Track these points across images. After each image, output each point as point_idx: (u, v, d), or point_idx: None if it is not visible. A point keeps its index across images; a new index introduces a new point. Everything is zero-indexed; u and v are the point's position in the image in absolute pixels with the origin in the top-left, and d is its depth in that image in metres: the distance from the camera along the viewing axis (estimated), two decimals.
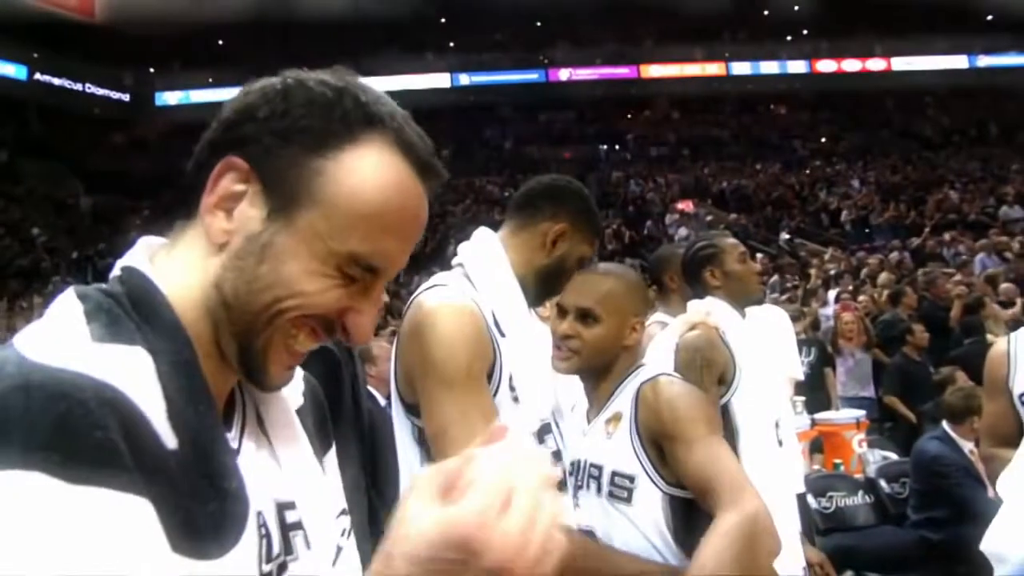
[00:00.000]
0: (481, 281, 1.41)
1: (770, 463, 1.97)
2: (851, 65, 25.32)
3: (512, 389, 1.37)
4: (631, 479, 1.37)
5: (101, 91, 22.59)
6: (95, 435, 0.49)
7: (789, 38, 25.46)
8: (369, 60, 22.71)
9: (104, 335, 0.56)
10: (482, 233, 1.52)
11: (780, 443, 2.07)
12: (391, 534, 0.53)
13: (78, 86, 21.80)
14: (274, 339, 0.62)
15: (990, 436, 2.04)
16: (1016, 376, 1.93)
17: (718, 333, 2.01)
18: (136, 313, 0.59)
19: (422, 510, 0.51)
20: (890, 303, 6.95)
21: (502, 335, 1.37)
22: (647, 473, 1.35)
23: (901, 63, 24.91)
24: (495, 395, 1.34)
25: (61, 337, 0.55)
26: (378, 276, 0.64)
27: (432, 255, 14.34)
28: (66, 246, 15.23)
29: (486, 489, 0.50)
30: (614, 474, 1.37)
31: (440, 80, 24.70)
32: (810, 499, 3.84)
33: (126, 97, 23.31)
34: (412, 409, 1.34)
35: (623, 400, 1.43)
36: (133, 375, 0.55)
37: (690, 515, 1.36)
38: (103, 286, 0.62)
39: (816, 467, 4.42)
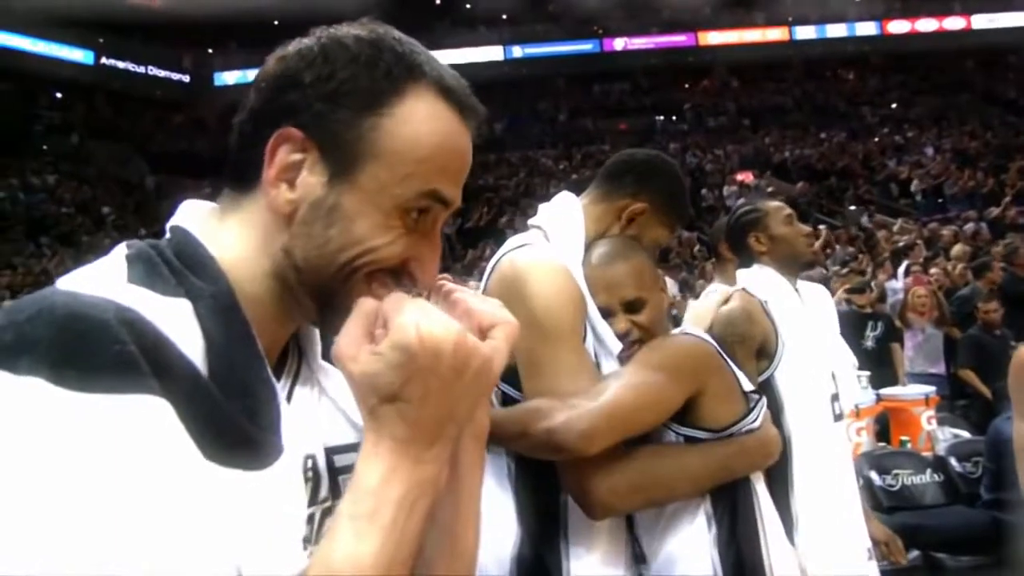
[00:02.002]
0: (558, 244, 1.37)
1: (824, 438, 1.86)
2: (926, 25, 23.79)
3: (595, 356, 1.33)
4: None
5: (163, 73, 23.18)
6: (113, 349, 0.51)
7: None
8: (422, 34, 22.70)
9: (140, 280, 0.58)
10: (565, 196, 1.48)
11: (839, 417, 1.94)
12: (357, 400, 0.59)
13: (141, 69, 22.46)
14: (352, 294, 0.64)
15: None
16: None
17: (761, 304, 1.90)
18: (179, 261, 0.61)
19: (365, 360, 0.57)
20: (972, 276, 6.59)
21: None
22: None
23: (982, 20, 23.24)
24: None
25: (98, 274, 0.59)
26: (435, 219, 0.67)
27: (486, 228, 14.36)
28: (133, 224, 15.83)
29: (401, 311, 0.57)
30: None
31: (493, 53, 24.46)
32: (874, 476, 3.71)
33: (186, 78, 23.88)
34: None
35: None
36: (164, 314, 0.56)
37: None
38: (153, 241, 0.64)
39: (881, 444, 4.26)
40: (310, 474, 0.66)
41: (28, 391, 0.49)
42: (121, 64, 21.94)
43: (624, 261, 1.38)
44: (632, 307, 1.36)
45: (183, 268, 0.61)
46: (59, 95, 21.26)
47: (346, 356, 0.59)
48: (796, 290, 2.06)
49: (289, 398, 0.68)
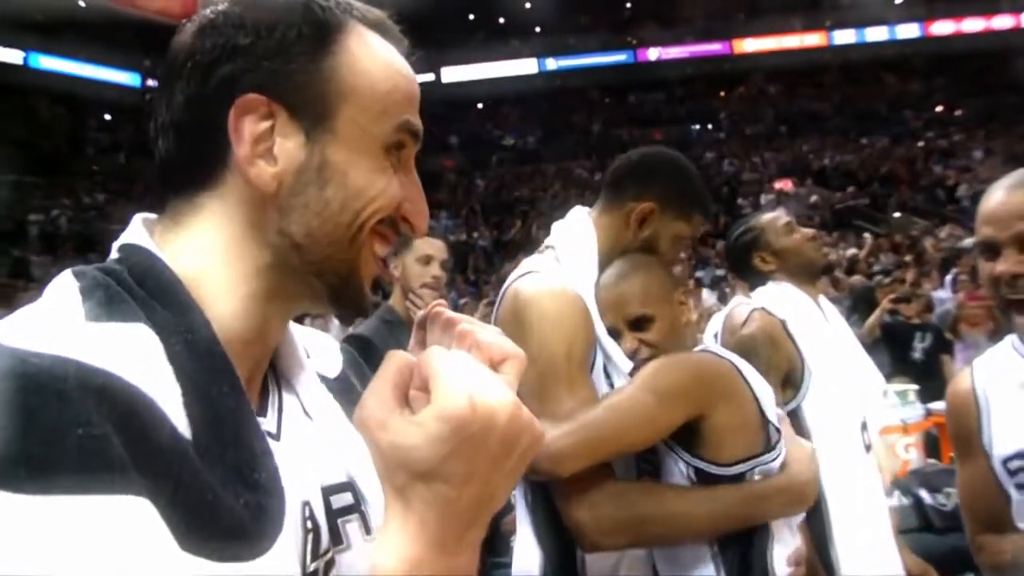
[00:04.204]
0: (568, 265, 1.35)
1: (858, 474, 1.73)
2: (973, 25, 23.05)
3: (608, 376, 1.31)
4: (654, 452, 1.28)
5: None
6: (75, 434, 0.42)
7: None
8: (456, 48, 22.97)
9: (101, 313, 0.49)
10: (576, 213, 1.46)
11: (868, 448, 1.78)
12: (382, 475, 0.51)
13: None
14: (361, 255, 0.60)
15: (973, 517, 1.40)
16: (991, 428, 1.30)
17: (782, 325, 1.76)
18: (142, 289, 0.53)
19: (398, 429, 0.49)
20: None
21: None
22: (667, 445, 1.25)
23: None
24: None
25: (50, 318, 0.48)
26: (410, 155, 0.63)
27: (521, 241, 14.37)
28: None
29: (446, 372, 0.49)
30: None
31: (527, 66, 24.60)
32: (924, 495, 3.57)
33: None
34: None
35: None
36: (136, 356, 0.47)
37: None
38: (102, 265, 0.55)
39: (931, 460, 4.11)
40: (309, 524, 0.57)
41: None
42: None
43: (629, 279, 1.33)
44: (638, 325, 1.31)
45: (148, 297, 0.52)
46: (107, 116, 22.01)
47: (374, 423, 0.50)
48: (818, 304, 1.90)
49: (278, 435, 0.60)
